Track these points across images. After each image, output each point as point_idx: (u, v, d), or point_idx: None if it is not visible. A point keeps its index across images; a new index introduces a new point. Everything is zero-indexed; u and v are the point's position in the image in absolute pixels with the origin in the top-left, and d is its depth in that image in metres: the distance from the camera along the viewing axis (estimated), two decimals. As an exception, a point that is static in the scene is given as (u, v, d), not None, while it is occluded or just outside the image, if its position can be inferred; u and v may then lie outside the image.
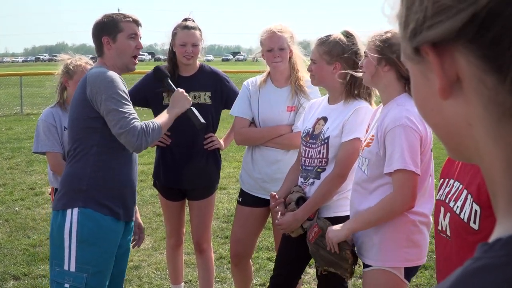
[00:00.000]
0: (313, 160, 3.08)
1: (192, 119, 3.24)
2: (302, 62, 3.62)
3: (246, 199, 3.79)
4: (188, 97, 3.21)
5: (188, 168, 3.88)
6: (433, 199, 2.68)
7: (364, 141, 2.78)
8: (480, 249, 0.56)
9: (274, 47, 3.52)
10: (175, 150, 3.90)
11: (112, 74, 2.93)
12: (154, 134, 2.97)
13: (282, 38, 3.52)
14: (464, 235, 1.85)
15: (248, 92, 3.69)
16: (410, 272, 2.72)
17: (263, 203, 3.67)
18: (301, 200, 3.08)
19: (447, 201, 1.94)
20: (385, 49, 2.60)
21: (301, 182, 3.18)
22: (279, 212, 3.15)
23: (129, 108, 2.93)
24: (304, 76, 3.57)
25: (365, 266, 2.78)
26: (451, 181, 1.96)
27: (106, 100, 2.85)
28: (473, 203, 1.80)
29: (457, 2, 0.54)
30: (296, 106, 3.59)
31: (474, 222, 1.79)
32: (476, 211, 1.79)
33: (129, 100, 2.96)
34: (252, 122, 3.72)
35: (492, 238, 0.55)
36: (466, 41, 0.55)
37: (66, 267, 2.88)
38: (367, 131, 2.82)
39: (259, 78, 3.74)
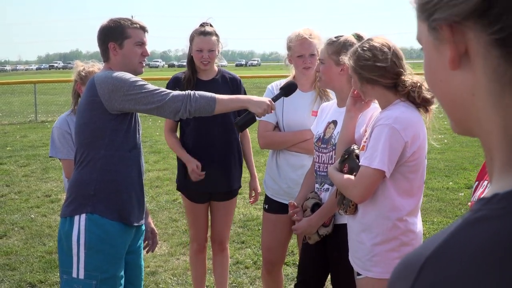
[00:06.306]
0: (326, 165, 3.03)
1: (242, 119, 3.06)
2: None
3: (272, 205, 3.75)
4: (267, 110, 2.97)
5: (215, 170, 3.89)
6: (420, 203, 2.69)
7: (360, 145, 2.71)
8: (478, 203, 0.61)
9: (305, 53, 3.49)
10: (201, 152, 3.88)
11: (121, 71, 2.89)
12: (203, 101, 2.86)
13: (313, 44, 3.50)
14: None
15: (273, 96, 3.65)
16: None
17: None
18: (316, 206, 3.05)
19: None
20: (358, 69, 2.55)
21: (317, 188, 3.14)
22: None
23: (156, 86, 2.88)
24: None
25: (358, 273, 2.72)
26: (485, 182, 1.93)
27: (128, 91, 2.79)
28: None
29: None
30: None
31: None
32: None
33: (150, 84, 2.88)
34: (276, 126, 3.68)
35: (489, 194, 0.62)
36: (476, 18, 0.62)
37: (74, 275, 2.84)
38: (364, 135, 2.72)
39: (284, 81, 3.66)
